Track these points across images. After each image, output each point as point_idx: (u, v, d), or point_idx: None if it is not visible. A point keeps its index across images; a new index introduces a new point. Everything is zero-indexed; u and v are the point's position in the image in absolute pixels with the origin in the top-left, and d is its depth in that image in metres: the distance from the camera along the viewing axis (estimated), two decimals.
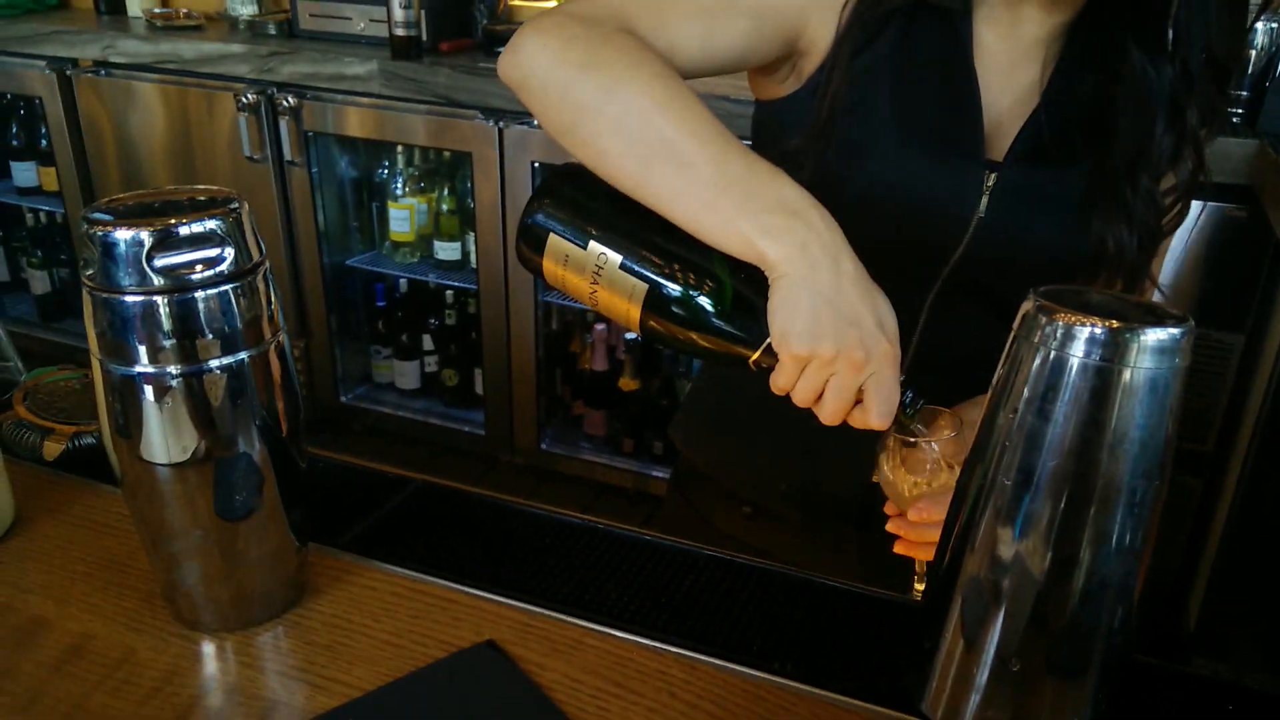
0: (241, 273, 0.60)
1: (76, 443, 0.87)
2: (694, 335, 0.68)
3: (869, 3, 0.82)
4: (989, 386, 0.58)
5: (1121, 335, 0.51)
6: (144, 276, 0.57)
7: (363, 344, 2.90)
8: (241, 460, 0.64)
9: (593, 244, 0.70)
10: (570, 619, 0.71)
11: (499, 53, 0.76)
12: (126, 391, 0.60)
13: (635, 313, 0.69)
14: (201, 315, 0.59)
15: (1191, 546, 2.03)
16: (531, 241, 0.72)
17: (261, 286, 0.62)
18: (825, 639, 0.72)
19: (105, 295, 0.58)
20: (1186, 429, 1.91)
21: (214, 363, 0.60)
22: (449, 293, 2.71)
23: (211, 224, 0.59)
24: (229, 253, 0.59)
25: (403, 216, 2.62)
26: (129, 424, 0.61)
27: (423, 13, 2.39)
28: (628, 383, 2.61)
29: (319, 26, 2.61)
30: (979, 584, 0.59)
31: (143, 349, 0.59)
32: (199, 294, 0.59)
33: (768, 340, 0.66)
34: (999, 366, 0.57)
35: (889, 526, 0.80)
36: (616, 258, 0.69)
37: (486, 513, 0.86)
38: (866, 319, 0.65)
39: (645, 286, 0.68)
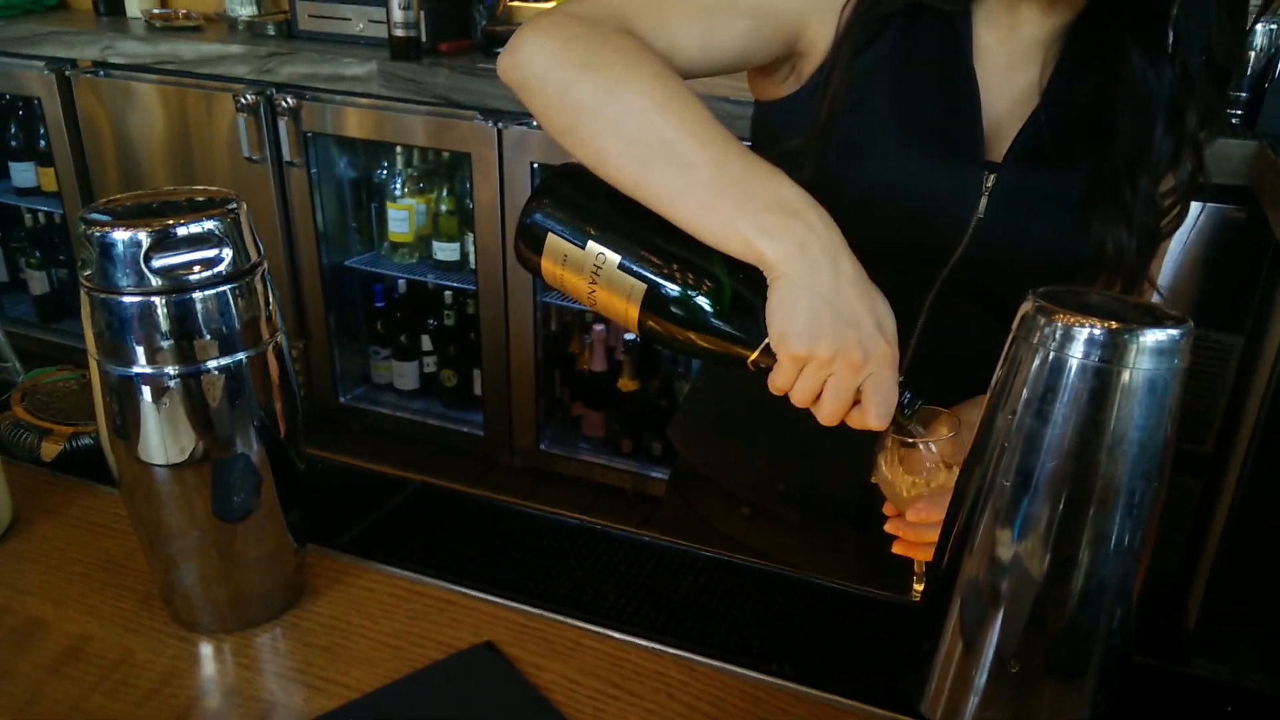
0: (240, 273, 0.60)
1: (74, 443, 0.87)
2: (692, 335, 0.68)
3: (869, 4, 0.82)
4: (988, 387, 0.58)
5: (1120, 336, 0.51)
6: (142, 277, 0.57)
7: (361, 344, 2.90)
8: (239, 461, 0.64)
9: (591, 244, 0.70)
10: (568, 620, 0.71)
11: (498, 53, 0.77)
12: (124, 392, 0.60)
13: (634, 313, 0.69)
14: (199, 316, 0.59)
15: (1190, 547, 2.03)
16: (530, 241, 0.72)
17: (260, 287, 0.62)
18: (824, 640, 0.72)
19: (103, 296, 0.58)
20: (1185, 430, 1.90)
21: (212, 363, 0.60)
22: (448, 293, 2.70)
23: (210, 225, 0.59)
24: (227, 253, 0.59)
25: (401, 217, 2.62)
26: (127, 425, 0.61)
27: (422, 13, 2.39)
28: (626, 383, 2.61)
29: (318, 27, 2.61)
30: (978, 585, 0.59)
31: (141, 350, 0.59)
32: (197, 295, 0.59)
33: (766, 340, 0.66)
34: (998, 367, 0.57)
35: (887, 527, 0.80)
36: (615, 257, 0.69)
37: (485, 514, 0.86)
38: (865, 319, 0.65)
39: (644, 286, 0.68)
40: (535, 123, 2.25)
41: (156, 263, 0.57)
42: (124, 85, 2.66)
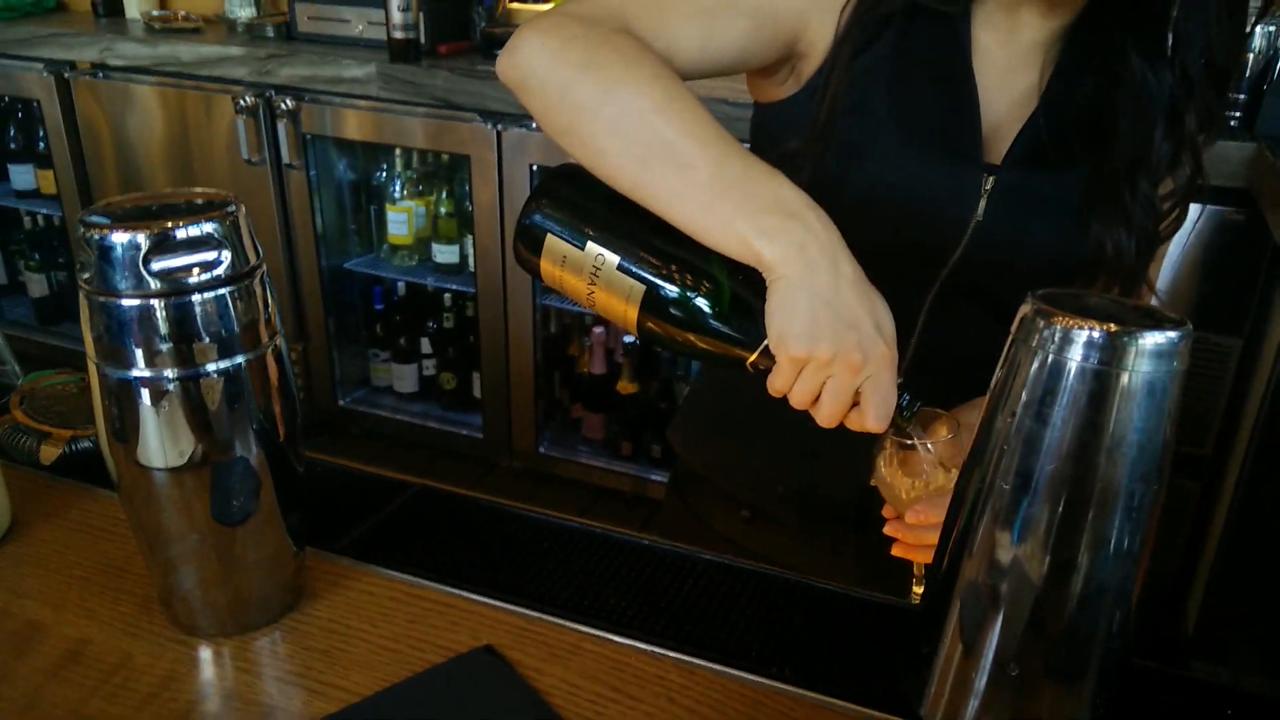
0: (239, 276, 0.60)
1: (73, 447, 0.87)
2: (691, 337, 0.68)
3: (868, 5, 0.82)
4: (986, 389, 0.58)
5: (1119, 339, 0.51)
6: (141, 280, 0.57)
7: (360, 347, 2.90)
8: (238, 464, 0.64)
9: (590, 245, 0.70)
10: (568, 624, 0.71)
11: (497, 55, 0.76)
12: (123, 395, 0.60)
13: (633, 314, 0.69)
14: (198, 319, 0.59)
15: (1190, 550, 2.03)
16: (529, 242, 0.72)
17: (259, 290, 0.62)
18: (824, 643, 0.72)
19: (102, 299, 0.58)
20: (1184, 432, 1.91)
21: (211, 367, 0.60)
22: (447, 296, 2.70)
23: (209, 227, 0.59)
24: (226, 256, 0.59)
25: (401, 219, 2.62)
26: (126, 428, 0.61)
27: (421, 15, 2.39)
28: (626, 386, 2.61)
29: (317, 29, 2.61)
30: (977, 588, 0.59)
31: (139, 353, 0.59)
32: (196, 297, 0.59)
33: (765, 342, 0.66)
34: (997, 369, 0.57)
35: (886, 529, 0.80)
36: (614, 259, 0.69)
37: (484, 517, 0.86)
38: (864, 321, 0.65)
39: (643, 288, 0.68)
40: (534, 125, 2.26)
41: (155, 265, 0.57)
42: (123, 87, 2.66)
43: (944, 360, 0.87)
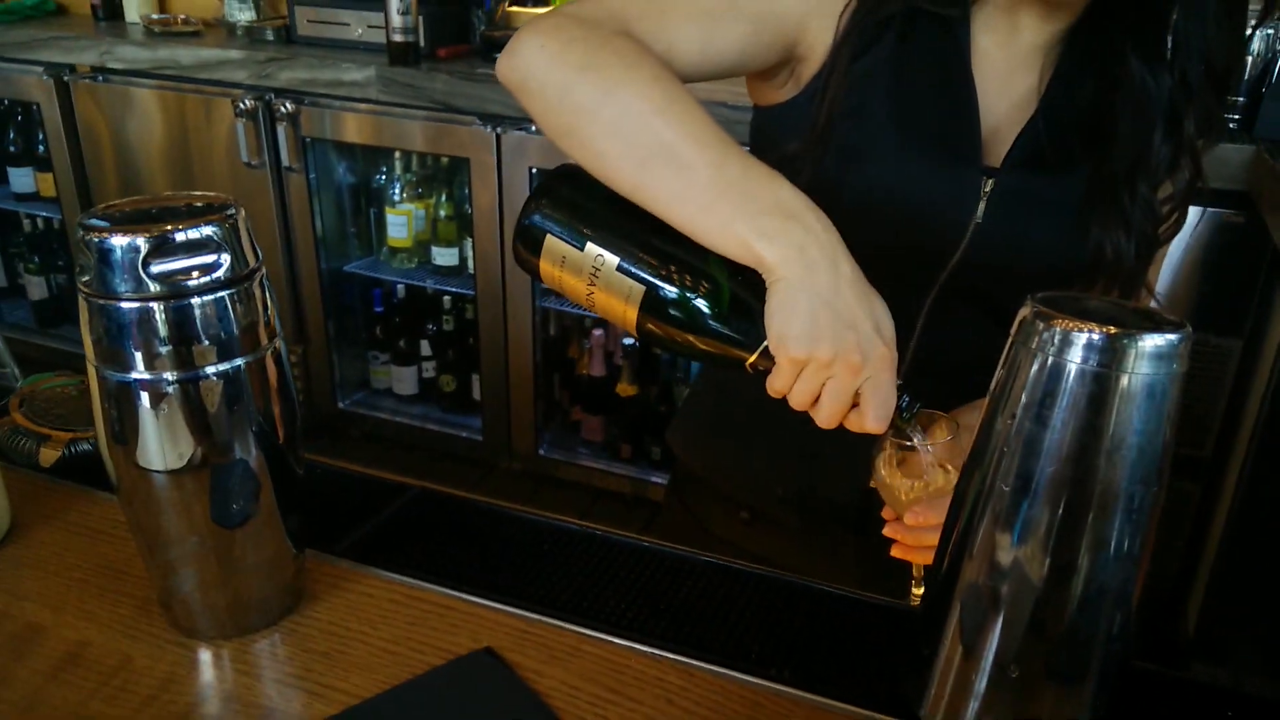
0: (238, 279, 0.60)
1: (72, 449, 0.87)
2: (691, 338, 0.68)
3: (867, 8, 0.82)
4: (986, 391, 0.58)
5: (1119, 341, 0.51)
6: (140, 283, 0.57)
7: (360, 350, 2.90)
8: (238, 467, 0.64)
9: (590, 245, 0.69)
10: (568, 626, 0.71)
11: (496, 58, 0.77)
12: (123, 398, 0.60)
13: (632, 315, 0.69)
14: (198, 321, 0.59)
15: (1190, 552, 2.03)
16: (529, 242, 0.72)
17: (258, 292, 0.62)
18: (824, 645, 0.72)
19: (101, 301, 0.58)
20: (1184, 434, 1.91)
21: (210, 369, 0.60)
22: (446, 298, 2.70)
23: (208, 230, 0.59)
24: (225, 259, 0.59)
25: (400, 222, 2.62)
26: (125, 430, 0.61)
27: (420, 19, 2.39)
28: (625, 388, 2.61)
29: (316, 32, 2.61)
30: (977, 590, 0.59)
31: (139, 355, 0.59)
32: (195, 300, 0.59)
33: (765, 343, 0.66)
34: (997, 372, 0.57)
35: (886, 531, 0.80)
36: (614, 259, 0.69)
37: (484, 519, 0.86)
38: (864, 322, 0.65)
39: (642, 288, 0.68)
40: (534, 128, 2.26)
41: (155, 268, 0.57)
42: (123, 90, 2.66)
43: (943, 363, 0.87)
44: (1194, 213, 0.90)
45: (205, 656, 0.67)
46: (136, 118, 2.67)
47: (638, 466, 2.61)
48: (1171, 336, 0.51)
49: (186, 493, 0.63)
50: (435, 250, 2.62)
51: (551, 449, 2.67)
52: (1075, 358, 0.52)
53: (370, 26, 2.51)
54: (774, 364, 0.66)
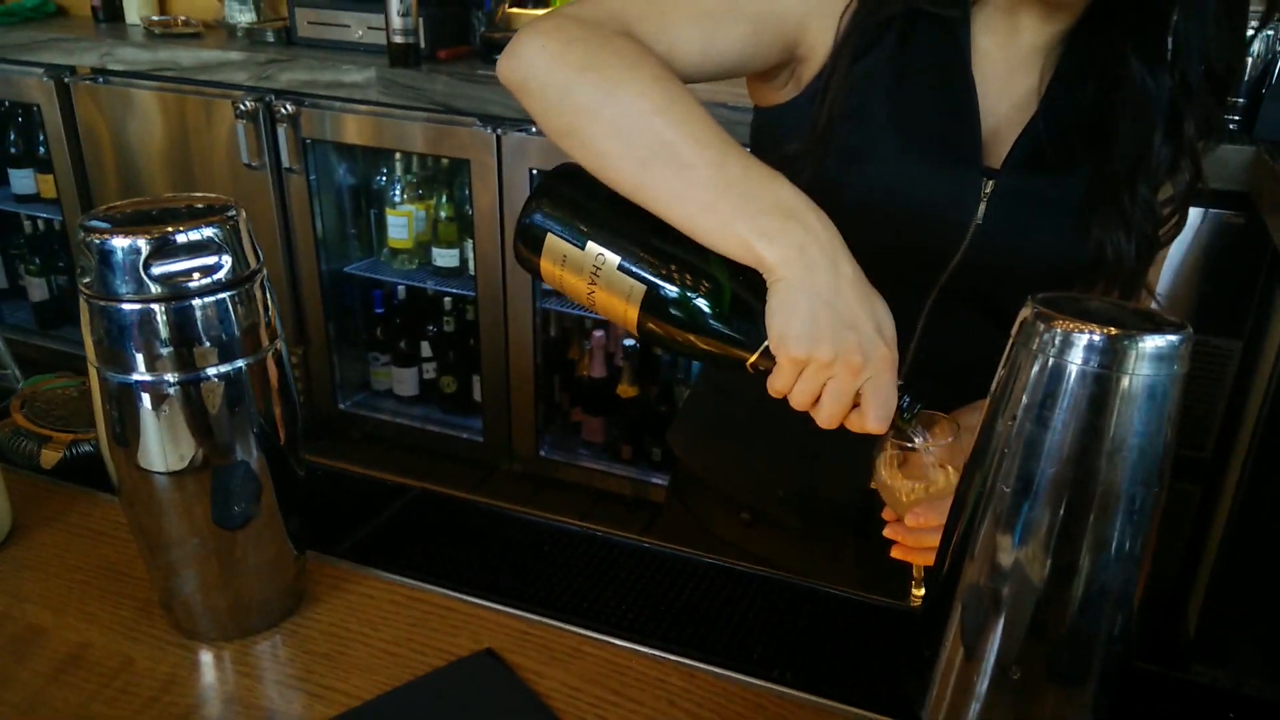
0: (239, 280, 0.60)
1: (74, 451, 0.87)
2: (692, 337, 0.68)
3: (868, 10, 0.82)
4: (986, 392, 0.58)
5: (1120, 342, 0.51)
6: (141, 284, 0.57)
7: (361, 351, 2.90)
8: (239, 468, 0.64)
9: (591, 244, 0.69)
10: (569, 627, 0.71)
11: (497, 59, 0.77)
12: (124, 399, 0.60)
13: (633, 314, 0.69)
14: (199, 323, 0.59)
15: (1190, 553, 2.03)
16: (530, 241, 0.72)
17: (259, 294, 0.62)
18: (825, 647, 0.72)
19: (102, 303, 0.58)
20: (1184, 435, 1.91)
21: (211, 370, 0.60)
22: (447, 299, 2.70)
23: (209, 232, 0.59)
24: (226, 260, 0.59)
25: (401, 223, 2.62)
26: (126, 432, 0.61)
27: (421, 20, 2.39)
28: (626, 389, 2.61)
29: (317, 34, 2.61)
30: (979, 591, 0.59)
31: (140, 357, 0.59)
32: (196, 302, 0.59)
33: (765, 343, 0.66)
34: (998, 373, 0.57)
35: (886, 532, 0.80)
36: (615, 259, 0.69)
37: (485, 520, 0.86)
38: (864, 323, 0.65)
39: (643, 288, 0.68)
40: (534, 129, 2.26)
41: (156, 270, 0.57)
42: (123, 92, 2.66)
43: (943, 365, 0.87)
44: (1194, 214, 0.90)
45: (206, 658, 0.67)
46: (137, 119, 2.67)
47: (638, 468, 2.61)
48: (1172, 338, 0.51)
49: (188, 494, 0.63)
50: (436, 251, 2.62)
51: (552, 450, 2.67)
52: (1076, 359, 0.52)
53: (370, 28, 2.51)
54: (775, 364, 0.66)
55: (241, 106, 2.48)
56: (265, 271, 0.63)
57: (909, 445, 0.73)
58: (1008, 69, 0.86)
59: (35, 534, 0.79)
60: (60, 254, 3.20)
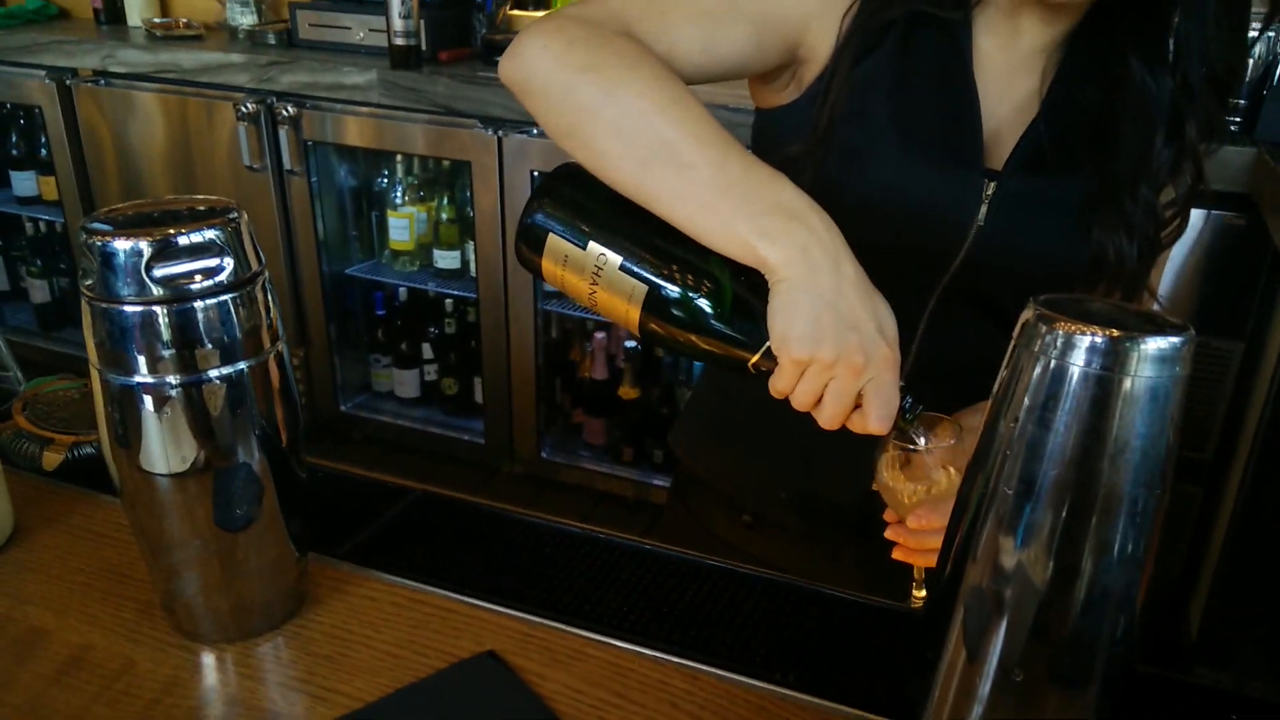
0: (241, 282, 0.60)
1: (76, 453, 0.87)
2: (693, 338, 0.68)
3: (870, 11, 0.82)
4: (988, 394, 0.58)
5: (1122, 344, 0.51)
6: (143, 286, 0.57)
7: (362, 353, 2.90)
8: (241, 470, 0.64)
9: (592, 244, 0.69)
10: (571, 629, 0.71)
11: (498, 61, 0.77)
12: (126, 401, 0.60)
13: (634, 314, 0.69)
14: (200, 325, 0.59)
15: (1192, 555, 2.03)
16: (531, 241, 0.72)
17: (261, 296, 0.62)
18: (828, 648, 0.72)
19: (104, 305, 0.58)
20: (1186, 437, 1.90)
21: (213, 372, 0.60)
22: (448, 301, 2.71)
23: (210, 234, 0.59)
24: (228, 262, 0.59)
25: (402, 225, 2.62)
26: (128, 434, 0.61)
27: (422, 22, 2.40)
28: (627, 391, 2.61)
29: (318, 36, 2.61)
30: (981, 593, 0.58)
31: (142, 359, 0.59)
32: (198, 304, 0.59)
33: (767, 343, 0.66)
34: (1000, 374, 0.57)
35: (888, 534, 0.80)
36: (616, 259, 0.69)
37: (486, 522, 0.86)
38: (866, 323, 0.65)
39: (645, 288, 0.68)
40: (535, 130, 2.26)
41: (158, 272, 0.57)
42: (125, 94, 2.66)
43: (945, 366, 0.87)
44: (1196, 215, 0.90)
45: (208, 660, 0.67)
46: (138, 121, 2.68)
47: (640, 469, 2.61)
48: (1174, 339, 0.51)
49: (189, 496, 0.63)
50: (437, 253, 2.62)
51: (554, 452, 2.67)
52: (1078, 360, 0.52)
53: (371, 30, 2.51)
54: (776, 364, 0.66)
55: (243, 108, 2.48)
56: (267, 273, 0.63)
57: (911, 446, 0.73)
58: (1009, 71, 0.86)
59: (37, 536, 0.79)
60: (62, 256, 3.20)
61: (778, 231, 0.64)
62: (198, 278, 0.58)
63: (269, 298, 0.63)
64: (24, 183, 3.07)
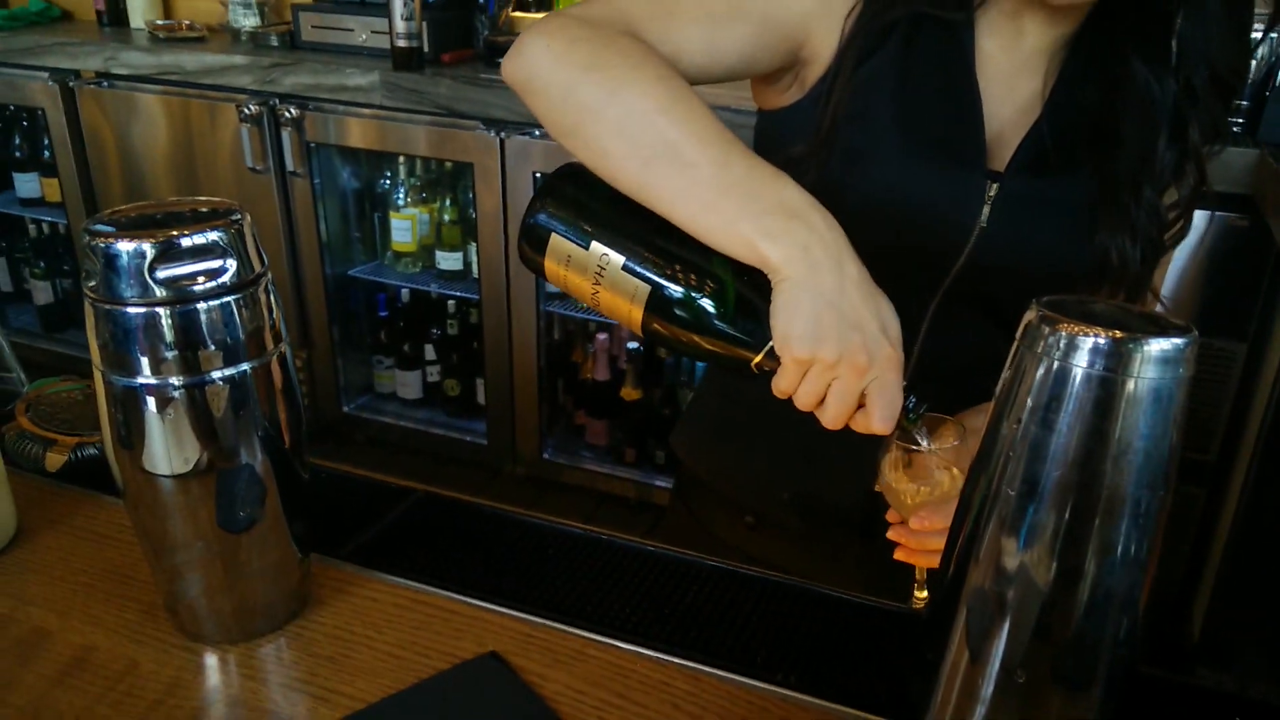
0: (243, 284, 0.60)
1: (79, 454, 0.87)
2: (696, 337, 0.68)
3: (872, 12, 0.82)
4: (990, 395, 0.58)
5: (1125, 345, 0.51)
6: (146, 288, 0.57)
7: (365, 354, 2.90)
8: (244, 471, 0.64)
9: (595, 244, 0.69)
10: (573, 630, 0.71)
11: (500, 63, 0.77)
12: (129, 403, 0.60)
13: (637, 314, 0.69)
14: (203, 326, 0.59)
15: (1195, 556, 2.02)
16: (534, 241, 0.72)
17: (263, 297, 0.62)
18: (830, 649, 0.72)
19: (107, 307, 0.58)
20: (1189, 438, 1.90)
21: (216, 374, 0.60)
22: (451, 302, 2.71)
23: (213, 235, 0.59)
24: (231, 264, 0.60)
25: (405, 227, 2.62)
26: (131, 435, 0.61)
27: (424, 24, 2.40)
28: (630, 392, 2.61)
29: (321, 38, 2.61)
30: (984, 595, 0.58)
31: (145, 360, 0.59)
32: (201, 305, 0.59)
33: (770, 343, 0.66)
34: (1003, 375, 0.57)
35: (890, 534, 0.80)
36: (619, 259, 0.69)
37: (488, 523, 0.86)
38: (869, 323, 0.64)
39: (647, 288, 0.68)
40: (538, 132, 2.26)
41: (161, 274, 0.57)
42: (127, 96, 2.67)
43: (947, 367, 0.87)
44: (1198, 217, 0.90)
45: (211, 661, 0.67)
46: (141, 123, 2.68)
47: (642, 470, 2.61)
48: (1178, 341, 0.51)
49: (192, 497, 0.63)
50: (439, 255, 2.63)
51: (556, 453, 2.67)
52: (1081, 362, 0.52)
53: (374, 32, 2.52)
54: (779, 364, 0.66)
55: (246, 110, 2.48)
56: (270, 275, 0.63)
57: (914, 447, 0.73)
58: (1011, 72, 0.86)
59: (40, 537, 0.79)
60: (65, 257, 3.20)
61: (780, 231, 0.64)
62: (201, 279, 0.59)
63: (272, 299, 0.63)
64: (27, 184, 3.08)
